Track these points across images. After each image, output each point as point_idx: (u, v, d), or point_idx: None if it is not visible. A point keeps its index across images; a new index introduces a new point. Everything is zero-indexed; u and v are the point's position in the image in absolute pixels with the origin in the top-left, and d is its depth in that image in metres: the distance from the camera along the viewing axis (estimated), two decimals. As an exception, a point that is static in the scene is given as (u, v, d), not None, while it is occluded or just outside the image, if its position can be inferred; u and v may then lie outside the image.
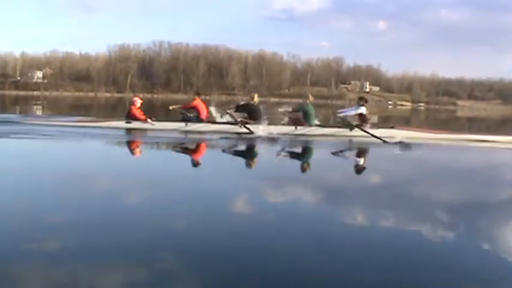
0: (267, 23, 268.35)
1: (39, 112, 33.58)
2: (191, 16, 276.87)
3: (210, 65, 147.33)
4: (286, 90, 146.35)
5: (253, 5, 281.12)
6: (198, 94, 17.50)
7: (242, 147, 14.01)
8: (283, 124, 16.35)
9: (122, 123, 16.50)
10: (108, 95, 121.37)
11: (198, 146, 13.98)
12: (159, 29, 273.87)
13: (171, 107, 17.57)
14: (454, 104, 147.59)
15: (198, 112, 16.59)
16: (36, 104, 49.57)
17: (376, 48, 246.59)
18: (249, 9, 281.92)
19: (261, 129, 15.34)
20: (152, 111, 41.84)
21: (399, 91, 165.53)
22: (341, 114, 16.94)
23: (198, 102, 16.81)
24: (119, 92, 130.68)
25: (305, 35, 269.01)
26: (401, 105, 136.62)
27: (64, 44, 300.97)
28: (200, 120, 16.48)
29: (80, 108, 42.17)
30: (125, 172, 9.00)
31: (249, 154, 12.66)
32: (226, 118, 16.52)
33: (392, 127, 17.10)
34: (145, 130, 16.11)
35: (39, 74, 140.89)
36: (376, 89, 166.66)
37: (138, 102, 17.00)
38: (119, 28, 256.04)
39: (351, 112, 16.70)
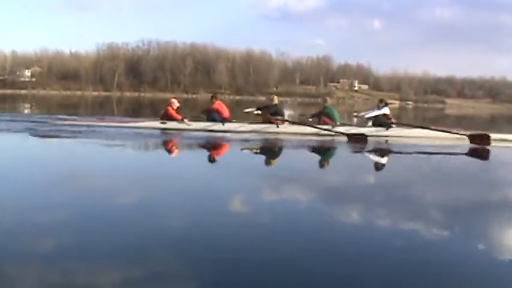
0: (261, 21, 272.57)
1: (27, 111, 33.74)
2: (186, 15, 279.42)
3: (198, 64, 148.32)
4: (274, 89, 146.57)
5: (248, 3, 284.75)
6: (215, 97, 17.51)
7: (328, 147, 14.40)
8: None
9: (156, 123, 16.75)
10: (95, 93, 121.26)
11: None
12: (153, 27, 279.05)
13: (201, 113, 17.46)
14: (443, 102, 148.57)
15: (221, 114, 16.74)
16: (24, 102, 50.06)
17: (371, 46, 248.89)
18: (244, 8, 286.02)
19: (343, 129, 15.70)
20: (140, 109, 42.56)
21: (388, 89, 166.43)
22: (366, 116, 17.10)
23: (218, 104, 16.99)
24: (106, 90, 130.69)
25: (300, 33, 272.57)
26: (389, 103, 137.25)
27: (57, 42, 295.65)
28: (227, 120, 16.68)
29: (68, 107, 42.20)
30: (156, 171, 9.11)
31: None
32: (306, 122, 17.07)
33: (422, 127, 17.36)
34: (181, 130, 16.22)
35: (28, 72, 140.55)
36: (365, 87, 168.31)
37: (176, 103, 17.15)
38: (113, 27, 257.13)
39: (376, 113, 16.67)
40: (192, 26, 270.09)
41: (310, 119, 17.35)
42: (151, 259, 4.24)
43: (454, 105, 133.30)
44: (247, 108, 18.03)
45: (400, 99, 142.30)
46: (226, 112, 16.87)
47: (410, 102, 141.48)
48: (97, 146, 12.62)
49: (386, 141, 15.61)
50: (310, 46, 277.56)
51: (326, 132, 15.76)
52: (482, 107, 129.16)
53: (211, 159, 11.57)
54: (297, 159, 11.91)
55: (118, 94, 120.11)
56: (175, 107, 16.98)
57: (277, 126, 16.18)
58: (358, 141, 14.51)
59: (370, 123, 16.75)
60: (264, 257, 4.42)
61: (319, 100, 17.97)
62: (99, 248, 4.46)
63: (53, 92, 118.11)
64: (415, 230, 5.51)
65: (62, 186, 7.28)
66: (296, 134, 15.89)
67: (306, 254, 4.52)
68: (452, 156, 13.18)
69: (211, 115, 16.72)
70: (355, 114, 18.01)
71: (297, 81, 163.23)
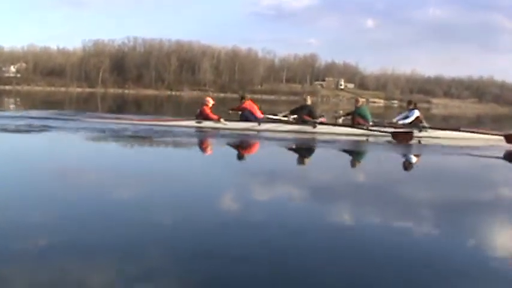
0: (254, 19, 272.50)
1: (12, 106, 34.03)
2: (179, 11, 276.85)
3: (183, 61, 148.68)
4: (259, 87, 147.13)
5: (242, 1, 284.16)
6: (244, 96, 17.81)
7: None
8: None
9: (192, 123, 16.80)
10: (79, 90, 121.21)
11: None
12: (145, 25, 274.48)
13: (230, 111, 17.56)
14: (429, 102, 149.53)
15: (253, 113, 16.94)
16: (8, 98, 50.64)
17: (363, 46, 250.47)
18: (237, 5, 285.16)
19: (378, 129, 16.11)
20: (124, 106, 42.79)
21: (375, 88, 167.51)
22: (400, 122, 16.99)
23: (249, 103, 17.18)
24: (90, 87, 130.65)
25: (293, 32, 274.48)
26: (374, 102, 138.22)
27: (48, 39, 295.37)
28: (262, 120, 16.90)
29: (52, 104, 42.06)
30: (186, 170, 9.49)
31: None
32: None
33: (458, 129, 17.39)
34: (217, 129, 16.21)
35: (13, 68, 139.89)
36: (351, 86, 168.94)
37: (210, 102, 17.18)
38: (104, 24, 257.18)
39: (411, 118, 16.76)
40: (185, 23, 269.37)
41: (341, 119, 17.86)
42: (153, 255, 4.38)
43: (440, 105, 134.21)
44: (280, 112, 18.03)
45: (386, 98, 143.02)
46: (258, 111, 17.11)
47: (395, 101, 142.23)
48: (125, 143, 13.39)
49: (419, 142, 15.69)
50: (302, 45, 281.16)
51: (364, 132, 16.18)
52: (468, 107, 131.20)
53: (243, 158, 12.09)
54: (331, 160, 12.21)
55: (102, 91, 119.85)
56: (210, 106, 17.02)
57: (314, 127, 16.32)
58: (404, 138, 14.97)
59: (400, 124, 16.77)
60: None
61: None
62: (93, 244, 4.56)
63: (38, 88, 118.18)
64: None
65: (74, 183, 7.53)
66: (332, 134, 15.99)
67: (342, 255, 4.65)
68: (488, 159, 13.10)
69: (244, 114, 16.90)
70: (394, 120, 17.46)
71: (283, 79, 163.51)
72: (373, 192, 7.84)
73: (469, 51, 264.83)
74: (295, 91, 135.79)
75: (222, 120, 16.55)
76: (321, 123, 16.66)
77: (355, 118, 17.03)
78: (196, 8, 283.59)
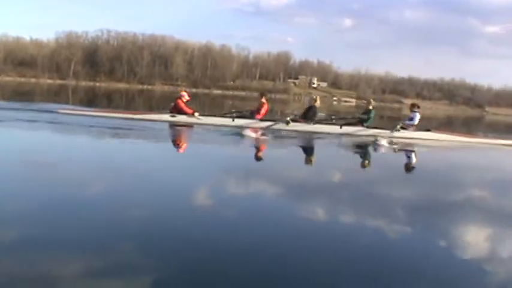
0: (233, 15, 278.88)
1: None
2: (159, 6, 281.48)
3: (155, 55, 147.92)
4: (231, 83, 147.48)
5: None
6: (264, 94, 18.06)
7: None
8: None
9: (166, 117, 16.75)
10: (50, 81, 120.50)
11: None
12: (124, 18, 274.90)
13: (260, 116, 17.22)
14: (400, 102, 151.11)
15: (259, 111, 17.04)
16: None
17: (339, 45, 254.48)
18: (217, 1, 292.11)
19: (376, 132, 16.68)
20: (95, 99, 42.77)
21: (348, 88, 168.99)
22: (407, 123, 17.39)
23: (265, 101, 17.24)
24: (61, 78, 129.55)
25: (271, 29, 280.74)
26: (346, 101, 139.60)
27: (23, 29, 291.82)
28: (252, 118, 16.86)
29: (23, 94, 42.07)
30: (150, 163, 9.43)
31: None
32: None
33: (428, 130, 17.76)
34: (190, 124, 16.23)
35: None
36: (324, 84, 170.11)
37: (186, 96, 17.16)
38: (80, 15, 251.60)
39: (415, 120, 17.20)
40: (163, 18, 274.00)
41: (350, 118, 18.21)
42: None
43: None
44: (288, 117, 17.26)
45: (357, 98, 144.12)
46: (264, 111, 17.15)
47: (365, 101, 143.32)
48: (92, 137, 13.07)
49: (392, 142, 15.87)
50: (280, 42, 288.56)
51: (363, 133, 16.69)
52: (439, 109, 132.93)
53: (214, 154, 11.80)
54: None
55: (73, 83, 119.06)
56: (185, 100, 17.01)
57: (287, 124, 16.55)
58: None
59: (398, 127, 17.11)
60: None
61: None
62: (60, 238, 4.54)
63: (8, 79, 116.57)
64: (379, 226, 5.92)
65: (34, 176, 7.36)
66: (304, 132, 16.28)
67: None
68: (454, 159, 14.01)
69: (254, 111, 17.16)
70: (401, 123, 17.48)
71: (257, 76, 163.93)
72: (348, 191, 8.07)
73: (444, 54, 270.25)
74: (267, 88, 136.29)
75: (196, 114, 16.64)
76: (295, 121, 16.75)
77: (361, 119, 17.51)
78: (176, 3, 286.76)
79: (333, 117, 18.42)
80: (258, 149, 13.04)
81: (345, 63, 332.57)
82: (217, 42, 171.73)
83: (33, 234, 4.63)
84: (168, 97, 60.07)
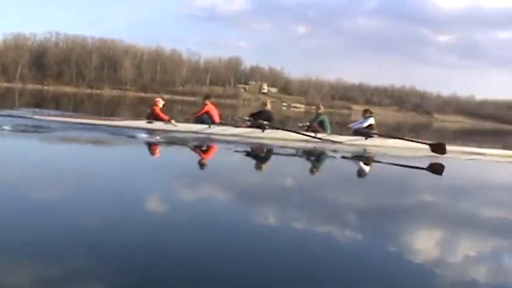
0: (187, 20, 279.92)
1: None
2: (112, 9, 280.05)
3: (104, 59, 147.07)
4: (181, 88, 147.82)
5: (175, 1, 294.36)
6: (208, 97, 17.62)
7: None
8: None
9: (142, 123, 16.57)
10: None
11: (212, 149, 14.33)
12: (77, 21, 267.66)
13: (187, 117, 17.72)
14: (349, 108, 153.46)
15: (211, 116, 16.91)
16: None
17: (295, 52, 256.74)
18: (170, 6, 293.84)
19: (330, 138, 16.60)
20: (43, 102, 42.29)
21: (298, 94, 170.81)
22: (355, 127, 17.74)
23: (209, 107, 17.04)
24: (7, 81, 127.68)
25: (225, 35, 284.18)
26: (295, 107, 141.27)
27: None
28: (217, 124, 16.84)
29: None
30: (120, 171, 9.31)
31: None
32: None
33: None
34: (167, 131, 16.01)
35: None
36: (274, 90, 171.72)
37: (161, 102, 17.16)
38: (30, 16, 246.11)
39: (363, 124, 17.50)
40: (117, 23, 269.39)
41: (300, 125, 17.97)
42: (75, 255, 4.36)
43: (360, 112, 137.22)
44: (241, 116, 18.44)
45: (307, 104, 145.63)
46: (216, 116, 17.05)
47: (315, 106, 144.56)
48: (59, 142, 12.71)
49: (365, 150, 16.29)
50: (234, 48, 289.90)
51: (312, 139, 16.44)
52: (388, 115, 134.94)
53: (188, 161, 11.80)
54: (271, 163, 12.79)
55: (20, 86, 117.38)
56: (160, 106, 16.97)
57: (263, 131, 16.53)
58: (439, 148, 15.92)
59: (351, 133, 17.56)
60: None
61: (222, 101, 18.26)
62: (8, 244, 4.47)
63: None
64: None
65: None
66: (281, 139, 16.32)
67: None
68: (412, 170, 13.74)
69: (202, 117, 16.87)
70: (348, 126, 18.35)
71: (207, 81, 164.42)
72: (300, 198, 8.11)
73: (395, 61, 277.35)
74: (217, 93, 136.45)
75: (172, 121, 16.59)
76: (272, 127, 16.85)
77: (312, 125, 17.46)
78: (129, 8, 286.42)
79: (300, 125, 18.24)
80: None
81: (298, 70, 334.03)
82: (168, 47, 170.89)
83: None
84: (117, 101, 60.60)
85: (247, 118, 17.32)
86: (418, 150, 16.57)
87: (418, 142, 17.38)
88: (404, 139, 17.70)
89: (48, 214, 5.64)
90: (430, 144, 16.57)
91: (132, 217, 5.75)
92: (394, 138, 17.84)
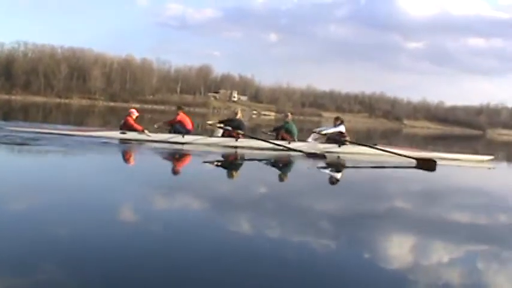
0: (158, 29, 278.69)
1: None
2: (84, 18, 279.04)
3: (73, 68, 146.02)
4: (151, 97, 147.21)
5: (145, 10, 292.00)
6: (181, 108, 17.95)
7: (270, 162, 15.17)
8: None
9: (116, 133, 16.63)
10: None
11: (189, 157, 14.65)
12: (46, 30, 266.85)
13: (156, 125, 17.48)
14: (320, 115, 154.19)
15: (184, 125, 17.10)
16: None
17: (266, 60, 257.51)
18: (141, 15, 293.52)
19: (299, 146, 16.71)
20: (11, 113, 41.82)
21: (268, 101, 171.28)
22: (323, 132, 17.92)
23: (182, 116, 17.26)
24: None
25: (197, 43, 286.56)
26: (265, 115, 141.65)
27: None
28: (189, 133, 17.08)
29: None
30: (106, 181, 9.36)
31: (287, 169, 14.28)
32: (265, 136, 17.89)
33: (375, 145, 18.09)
34: (140, 141, 16.22)
35: None
36: (244, 98, 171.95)
37: (135, 113, 17.26)
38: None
39: (332, 130, 17.69)
40: (86, 32, 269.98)
41: (269, 133, 18.19)
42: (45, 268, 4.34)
43: (330, 118, 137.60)
44: (209, 120, 18.93)
45: (277, 112, 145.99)
46: (189, 124, 17.30)
47: (283, 114, 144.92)
48: (36, 154, 12.48)
49: (338, 157, 16.49)
50: (205, 56, 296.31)
51: (287, 147, 16.47)
52: (358, 121, 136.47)
53: (163, 171, 11.87)
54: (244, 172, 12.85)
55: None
56: (134, 117, 17.13)
57: (236, 140, 16.78)
58: (316, 157, 15.34)
59: (324, 140, 17.73)
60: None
61: (192, 109, 18.29)
62: None
63: None
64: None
65: None
66: (254, 148, 16.50)
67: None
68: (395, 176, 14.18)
69: (175, 126, 17.05)
70: (314, 130, 18.41)
71: (178, 90, 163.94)
72: (274, 205, 8.15)
73: (367, 68, 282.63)
74: (187, 102, 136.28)
75: (146, 131, 16.68)
76: (244, 135, 17.05)
77: (280, 133, 17.68)
78: (99, 17, 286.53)
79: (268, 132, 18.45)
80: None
81: (269, 78, 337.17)
82: (138, 56, 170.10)
83: None
84: (86, 111, 60.32)
85: (217, 124, 17.48)
86: (392, 158, 16.41)
87: (403, 156, 16.38)
88: (387, 151, 16.89)
89: (16, 226, 5.56)
90: (417, 159, 15.84)
91: (102, 228, 5.70)
92: (369, 146, 17.52)
